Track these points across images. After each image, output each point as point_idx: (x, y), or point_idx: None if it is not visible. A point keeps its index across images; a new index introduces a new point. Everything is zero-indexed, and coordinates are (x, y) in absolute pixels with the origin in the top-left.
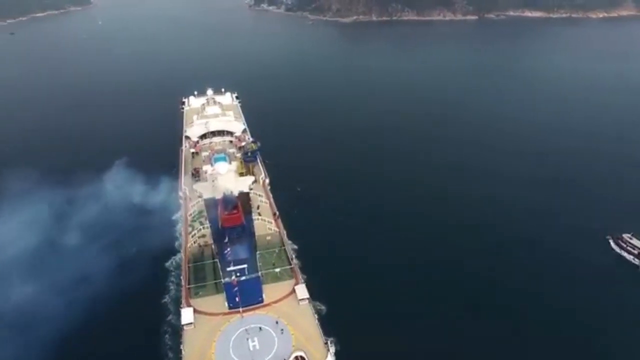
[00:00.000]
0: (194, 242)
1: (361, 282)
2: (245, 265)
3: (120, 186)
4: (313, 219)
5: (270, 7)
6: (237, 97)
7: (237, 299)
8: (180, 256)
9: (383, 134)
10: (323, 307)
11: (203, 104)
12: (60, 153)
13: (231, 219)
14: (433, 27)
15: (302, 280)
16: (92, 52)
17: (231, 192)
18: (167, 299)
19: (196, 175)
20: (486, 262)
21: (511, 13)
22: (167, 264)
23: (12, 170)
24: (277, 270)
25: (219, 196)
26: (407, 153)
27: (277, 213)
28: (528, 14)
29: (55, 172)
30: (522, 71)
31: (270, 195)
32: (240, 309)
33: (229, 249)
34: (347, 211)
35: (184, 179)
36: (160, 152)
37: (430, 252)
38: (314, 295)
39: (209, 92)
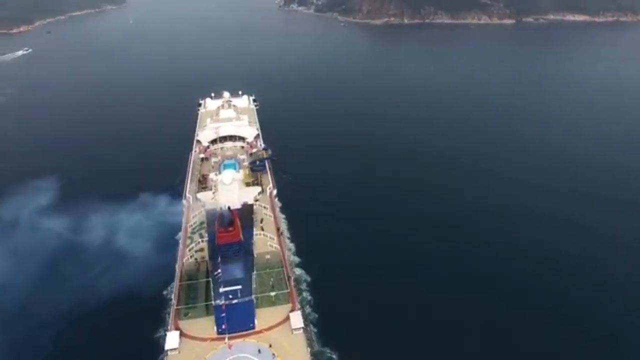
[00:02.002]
0: (191, 257)
1: (373, 323)
2: (239, 287)
3: (119, 202)
4: (325, 237)
5: (300, 8)
6: (254, 100)
7: (224, 326)
8: (176, 274)
9: (412, 145)
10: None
11: (219, 107)
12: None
13: (226, 236)
14: (468, 31)
15: (299, 307)
16: (119, 51)
17: (228, 207)
18: (161, 332)
19: (203, 182)
20: (535, 285)
21: (551, 16)
22: (165, 292)
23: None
24: (273, 294)
25: (228, 205)
26: (441, 164)
27: (281, 228)
28: (570, 17)
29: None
30: (564, 78)
31: (277, 208)
32: (227, 337)
33: (219, 270)
34: (365, 230)
35: (189, 186)
36: (173, 157)
37: (469, 287)
38: (323, 335)
39: (226, 94)
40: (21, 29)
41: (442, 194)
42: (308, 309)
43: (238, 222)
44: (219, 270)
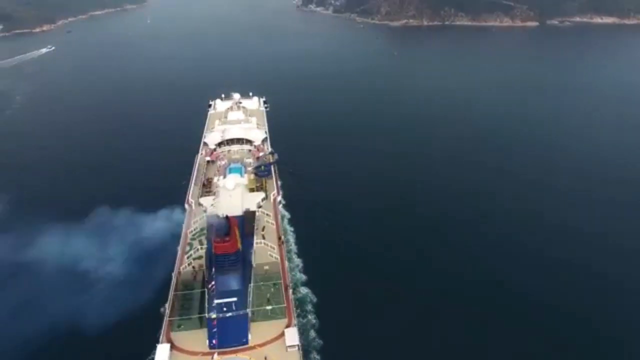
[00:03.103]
0: (189, 264)
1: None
2: (234, 299)
3: (120, 214)
4: (335, 252)
5: (318, 8)
6: (265, 102)
7: (214, 341)
8: (171, 282)
9: (432, 157)
10: None
11: (228, 109)
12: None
13: (223, 246)
14: (489, 34)
15: (295, 323)
16: (135, 50)
17: (225, 216)
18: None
19: (208, 186)
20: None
21: (577, 19)
22: (163, 309)
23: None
24: (269, 307)
25: (225, 213)
26: (459, 177)
27: (283, 238)
28: (597, 20)
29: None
30: (591, 86)
31: (279, 216)
32: (216, 353)
33: (213, 282)
34: (379, 242)
35: (193, 190)
36: (181, 159)
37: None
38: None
39: (236, 95)
40: (44, 28)
41: (470, 201)
42: (312, 334)
43: (236, 232)
44: (213, 282)
